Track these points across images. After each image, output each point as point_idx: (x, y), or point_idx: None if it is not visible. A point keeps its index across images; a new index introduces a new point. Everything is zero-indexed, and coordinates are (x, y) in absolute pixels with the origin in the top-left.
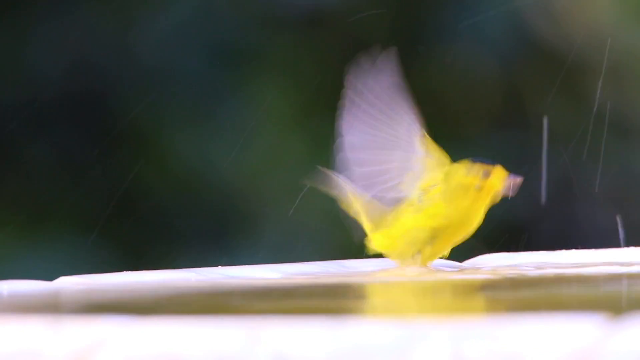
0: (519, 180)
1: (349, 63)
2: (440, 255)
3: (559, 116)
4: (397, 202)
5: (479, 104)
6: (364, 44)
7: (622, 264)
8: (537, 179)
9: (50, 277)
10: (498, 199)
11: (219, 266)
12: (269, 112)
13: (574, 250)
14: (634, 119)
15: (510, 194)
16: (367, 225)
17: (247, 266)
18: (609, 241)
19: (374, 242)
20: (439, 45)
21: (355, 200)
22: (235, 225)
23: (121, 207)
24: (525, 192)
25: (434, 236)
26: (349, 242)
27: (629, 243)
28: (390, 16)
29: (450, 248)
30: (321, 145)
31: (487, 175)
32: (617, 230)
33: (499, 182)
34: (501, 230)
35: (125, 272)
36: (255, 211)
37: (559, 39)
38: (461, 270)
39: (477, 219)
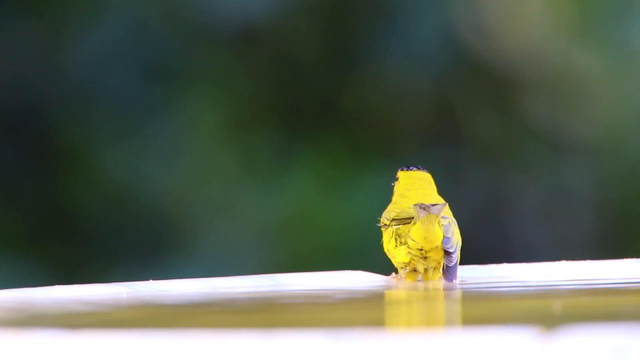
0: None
1: (280, 79)
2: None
3: (490, 131)
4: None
5: (411, 120)
6: (295, 60)
7: (553, 278)
8: (468, 194)
9: None
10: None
11: (150, 280)
12: (200, 127)
13: (504, 265)
14: (564, 133)
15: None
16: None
17: (178, 280)
18: (538, 255)
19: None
20: (371, 62)
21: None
22: (167, 240)
23: (53, 223)
24: (457, 207)
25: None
26: (280, 257)
27: (559, 257)
28: (321, 32)
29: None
30: (252, 159)
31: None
32: (546, 244)
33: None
34: None
35: (57, 286)
36: (187, 225)
37: (491, 54)
38: (390, 284)
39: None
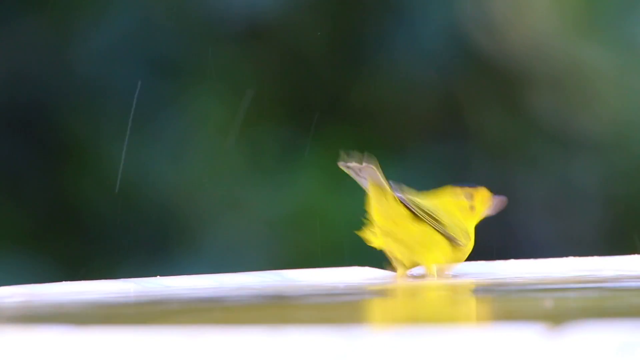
0: (503, 199)
1: (287, 74)
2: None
3: (497, 127)
4: None
5: (418, 116)
6: (302, 55)
7: (560, 274)
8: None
9: None
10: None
11: (158, 276)
12: (207, 123)
13: (511, 261)
14: (571, 129)
15: (493, 212)
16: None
17: (185, 276)
18: (545, 252)
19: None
20: (378, 57)
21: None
22: (174, 236)
23: (59, 219)
24: None
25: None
26: (287, 253)
27: (566, 253)
28: (328, 27)
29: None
30: (260, 155)
31: (470, 197)
32: (553, 240)
33: (483, 203)
34: None
35: (64, 283)
36: (194, 221)
37: (498, 51)
38: (395, 280)
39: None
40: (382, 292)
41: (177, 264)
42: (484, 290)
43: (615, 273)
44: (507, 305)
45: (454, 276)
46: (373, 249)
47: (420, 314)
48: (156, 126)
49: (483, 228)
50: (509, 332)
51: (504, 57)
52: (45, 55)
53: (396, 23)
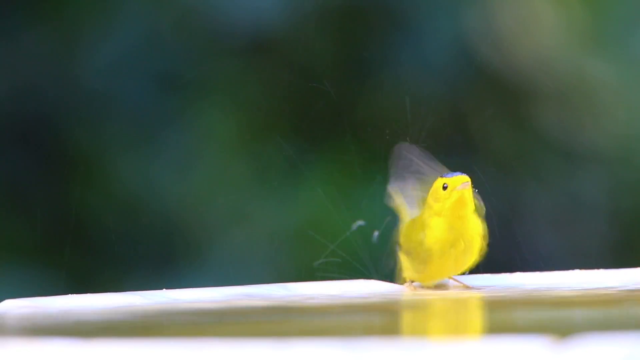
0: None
1: (293, 88)
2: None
3: (503, 140)
4: None
5: (424, 129)
6: (307, 69)
7: (566, 287)
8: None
9: None
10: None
11: (164, 289)
12: (213, 137)
13: (517, 273)
14: (577, 143)
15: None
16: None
17: (191, 289)
18: (551, 264)
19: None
20: (384, 71)
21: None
22: (180, 249)
23: (65, 232)
24: None
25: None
26: (294, 266)
27: (572, 266)
28: (334, 41)
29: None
30: (266, 168)
31: (445, 187)
32: (559, 253)
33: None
34: None
35: (70, 296)
36: (200, 234)
37: (504, 64)
38: (402, 293)
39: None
40: (388, 305)
41: (183, 276)
42: (489, 303)
43: (620, 285)
44: (513, 317)
45: (460, 289)
46: (379, 263)
47: (426, 327)
48: (162, 140)
49: (490, 241)
50: (515, 344)
51: (510, 71)
52: (51, 68)
53: (402, 37)
